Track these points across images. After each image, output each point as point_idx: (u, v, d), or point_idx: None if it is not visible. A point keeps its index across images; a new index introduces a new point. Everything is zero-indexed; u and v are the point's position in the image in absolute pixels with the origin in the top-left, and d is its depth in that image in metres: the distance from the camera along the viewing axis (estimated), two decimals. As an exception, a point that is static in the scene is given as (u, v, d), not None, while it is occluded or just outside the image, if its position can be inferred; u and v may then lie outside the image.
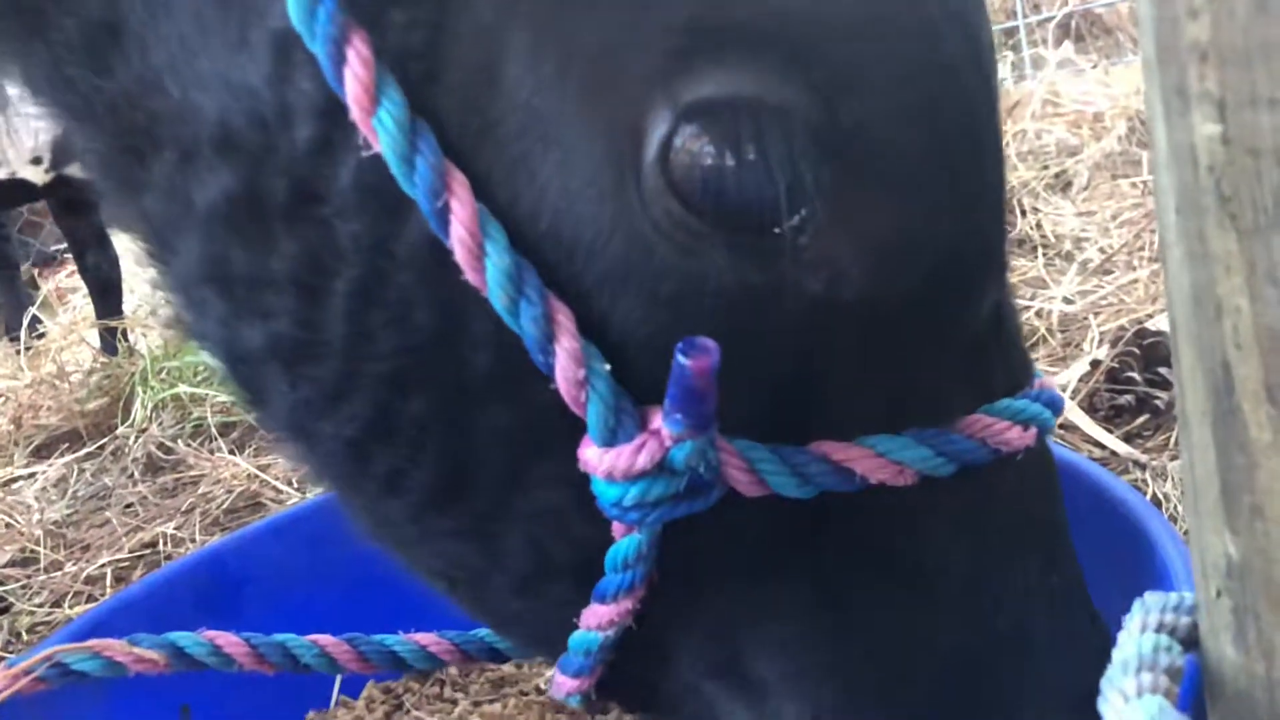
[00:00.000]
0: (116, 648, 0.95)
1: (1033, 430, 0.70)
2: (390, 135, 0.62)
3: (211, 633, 0.96)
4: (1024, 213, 2.83)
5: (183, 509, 2.13)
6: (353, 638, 0.99)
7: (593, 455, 0.66)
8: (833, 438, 0.67)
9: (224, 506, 2.09)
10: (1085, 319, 2.05)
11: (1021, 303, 2.24)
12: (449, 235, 0.63)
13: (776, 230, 0.61)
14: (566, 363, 0.63)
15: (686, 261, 0.62)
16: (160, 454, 2.44)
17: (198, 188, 0.70)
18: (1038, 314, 2.13)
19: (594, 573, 0.70)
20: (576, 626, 0.74)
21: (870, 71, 0.60)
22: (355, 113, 0.62)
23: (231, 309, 0.73)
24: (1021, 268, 2.48)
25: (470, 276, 0.63)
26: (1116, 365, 1.70)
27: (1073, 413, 1.65)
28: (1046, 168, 3.27)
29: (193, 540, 1.99)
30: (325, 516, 1.36)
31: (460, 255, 0.63)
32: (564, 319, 0.64)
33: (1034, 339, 2.06)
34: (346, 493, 0.80)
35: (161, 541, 2.00)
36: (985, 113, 0.66)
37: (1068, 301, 2.16)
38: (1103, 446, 1.58)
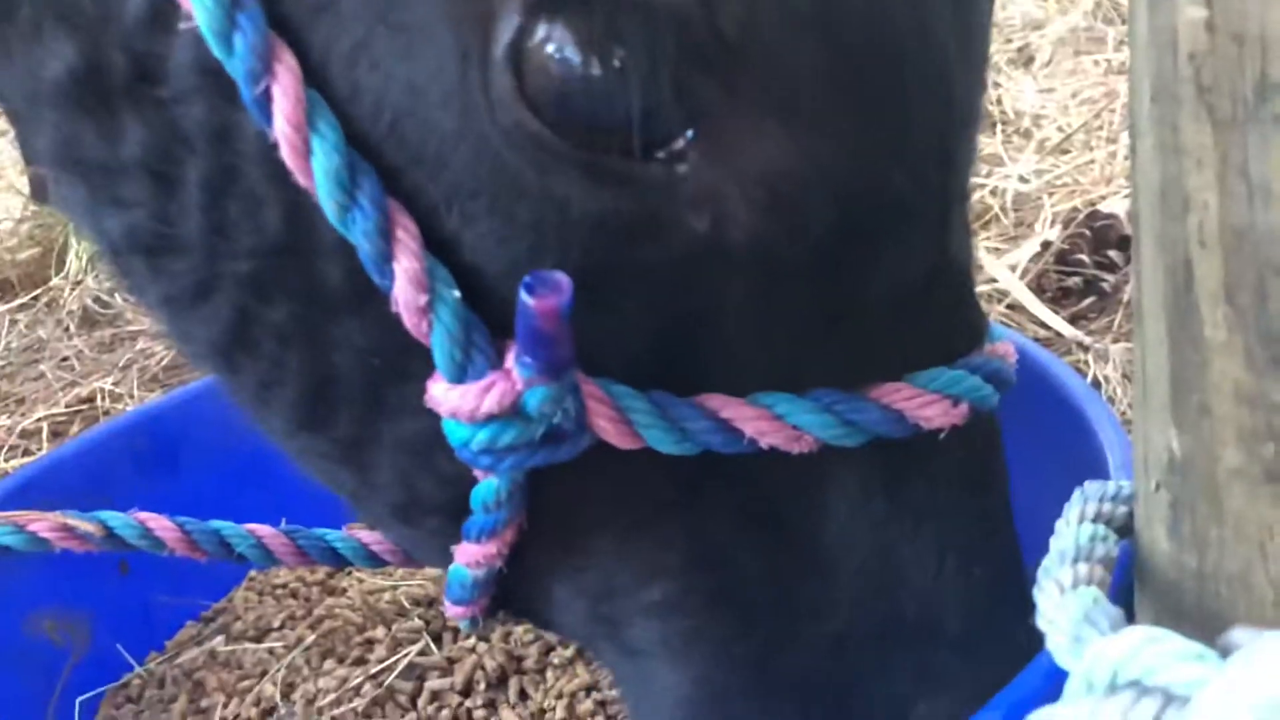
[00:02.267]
0: (44, 522, 0.91)
1: (963, 406, 0.63)
2: (205, 6, 0.55)
3: (143, 515, 0.93)
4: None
5: (120, 365, 2.07)
6: (292, 530, 0.95)
7: (439, 392, 0.60)
8: (726, 392, 0.61)
9: (164, 363, 2.05)
10: (1039, 199, 2.04)
11: (977, 180, 2.22)
12: (271, 126, 0.56)
13: (648, 156, 0.54)
14: (405, 285, 0.57)
15: (544, 181, 0.55)
16: (97, 308, 2.36)
17: (45, 60, 0.64)
18: (992, 192, 2.11)
19: (464, 509, 0.66)
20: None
21: None
22: None
23: (90, 195, 0.68)
24: (979, 144, 2.45)
25: (298, 176, 0.57)
26: (1066, 246, 1.71)
27: (1020, 293, 1.65)
28: (1010, 41, 3.21)
29: (131, 397, 1.94)
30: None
31: (284, 151, 0.56)
32: (405, 235, 0.57)
33: (987, 217, 2.04)
34: (231, 394, 0.76)
35: (99, 397, 1.96)
36: (931, 32, 0.57)
37: (1023, 180, 2.13)
38: (1048, 327, 1.59)
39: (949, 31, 0.58)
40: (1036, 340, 1.53)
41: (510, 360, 0.58)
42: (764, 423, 0.61)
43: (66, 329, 2.32)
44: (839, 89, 0.55)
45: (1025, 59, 3.14)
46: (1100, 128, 2.43)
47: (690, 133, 0.54)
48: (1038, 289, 1.68)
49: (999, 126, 2.56)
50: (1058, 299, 1.67)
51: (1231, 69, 0.44)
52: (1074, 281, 1.68)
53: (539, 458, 0.61)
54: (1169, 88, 0.47)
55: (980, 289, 1.72)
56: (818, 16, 0.53)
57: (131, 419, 1.29)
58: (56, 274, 2.57)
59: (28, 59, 0.66)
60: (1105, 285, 1.65)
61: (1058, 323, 1.59)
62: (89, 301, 2.37)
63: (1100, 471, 0.86)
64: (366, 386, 0.66)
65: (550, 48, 0.52)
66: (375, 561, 0.95)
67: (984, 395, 0.64)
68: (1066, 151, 2.34)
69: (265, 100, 0.56)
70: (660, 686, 0.70)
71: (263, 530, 0.94)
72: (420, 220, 0.58)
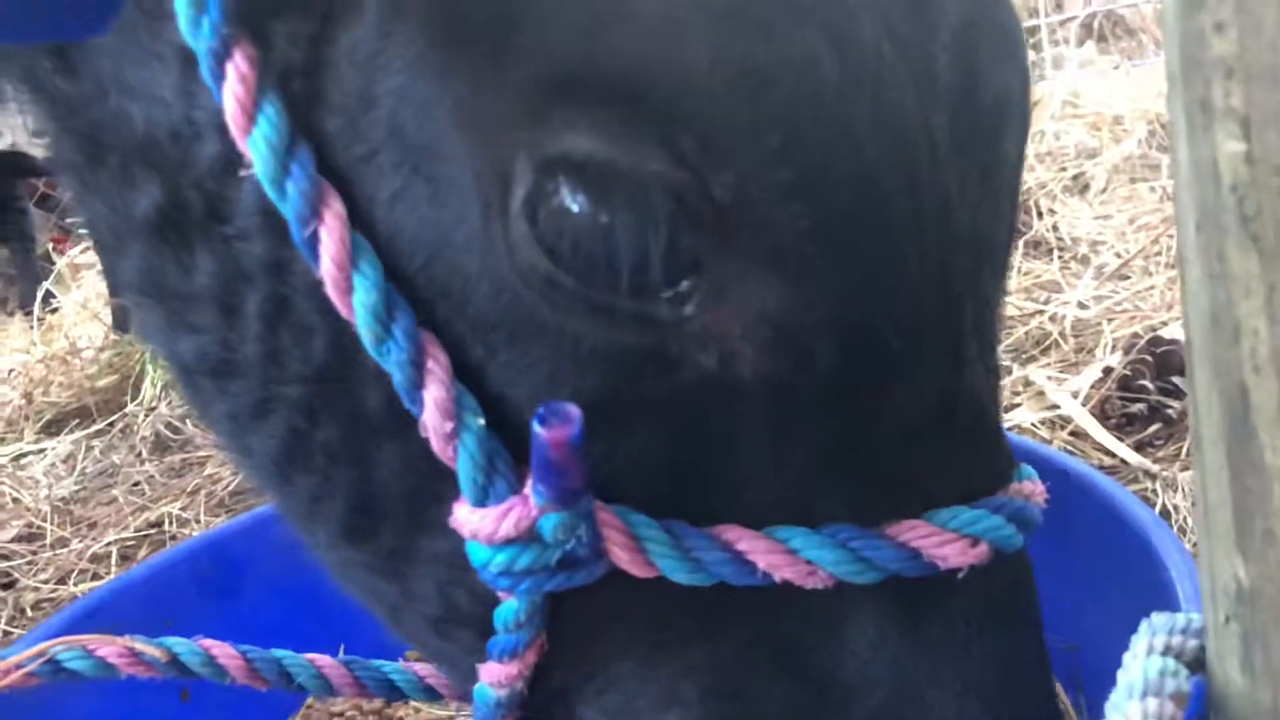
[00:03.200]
0: (111, 647, 0.92)
1: (982, 546, 0.62)
2: (262, 156, 0.60)
3: (207, 641, 0.94)
4: (1040, 214, 2.80)
5: (189, 489, 2.12)
6: (350, 661, 0.96)
7: (462, 514, 0.62)
8: (742, 523, 0.62)
9: (230, 488, 2.09)
10: (1099, 325, 2.04)
11: (1034, 306, 2.22)
12: (319, 265, 0.60)
13: (655, 297, 0.57)
14: (434, 412, 0.60)
15: (557, 318, 0.59)
16: (168, 433, 2.44)
17: (133, 197, 0.70)
18: (1051, 318, 2.11)
19: (493, 627, 0.68)
20: None
21: (747, 141, 0.54)
22: (234, 131, 0.60)
23: (166, 321, 0.73)
24: (1036, 270, 2.45)
25: (341, 310, 0.61)
26: (1129, 373, 1.68)
27: (1083, 419, 1.62)
28: (1064, 169, 3.24)
29: (198, 521, 1.99)
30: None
31: (329, 287, 0.61)
32: (435, 365, 0.61)
33: (1046, 344, 2.03)
34: (281, 509, 0.79)
35: (167, 521, 2.00)
36: (920, 185, 0.58)
37: (1082, 306, 2.13)
38: (1113, 455, 1.56)
39: (947, 177, 0.59)
40: (1101, 468, 1.50)
41: (528, 487, 0.60)
42: (778, 556, 0.61)
43: (139, 454, 2.39)
44: (828, 242, 0.57)
45: (1081, 186, 3.17)
46: (1159, 253, 2.43)
47: (691, 279, 0.57)
48: (1101, 416, 1.65)
49: (1056, 253, 2.56)
50: (1121, 426, 1.64)
51: (1274, 199, 0.45)
52: (1138, 408, 1.64)
53: (555, 582, 0.63)
54: (1213, 217, 0.48)
55: (1042, 415, 1.70)
56: (804, 182, 0.55)
57: (197, 544, 1.31)
58: (132, 400, 2.66)
59: (118, 198, 0.71)
60: (1170, 412, 1.62)
61: (1123, 450, 1.55)
62: (161, 427, 2.44)
63: (1169, 603, 0.84)
64: (405, 504, 0.68)
65: (559, 202, 0.56)
66: (430, 695, 0.95)
67: (1005, 536, 0.63)
68: (1125, 277, 2.33)
69: (313, 241, 0.61)
70: None
71: (322, 660, 0.95)
72: (450, 350, 0.61)
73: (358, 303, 0.60)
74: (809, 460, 0.62)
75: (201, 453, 2.31)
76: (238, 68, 0.59)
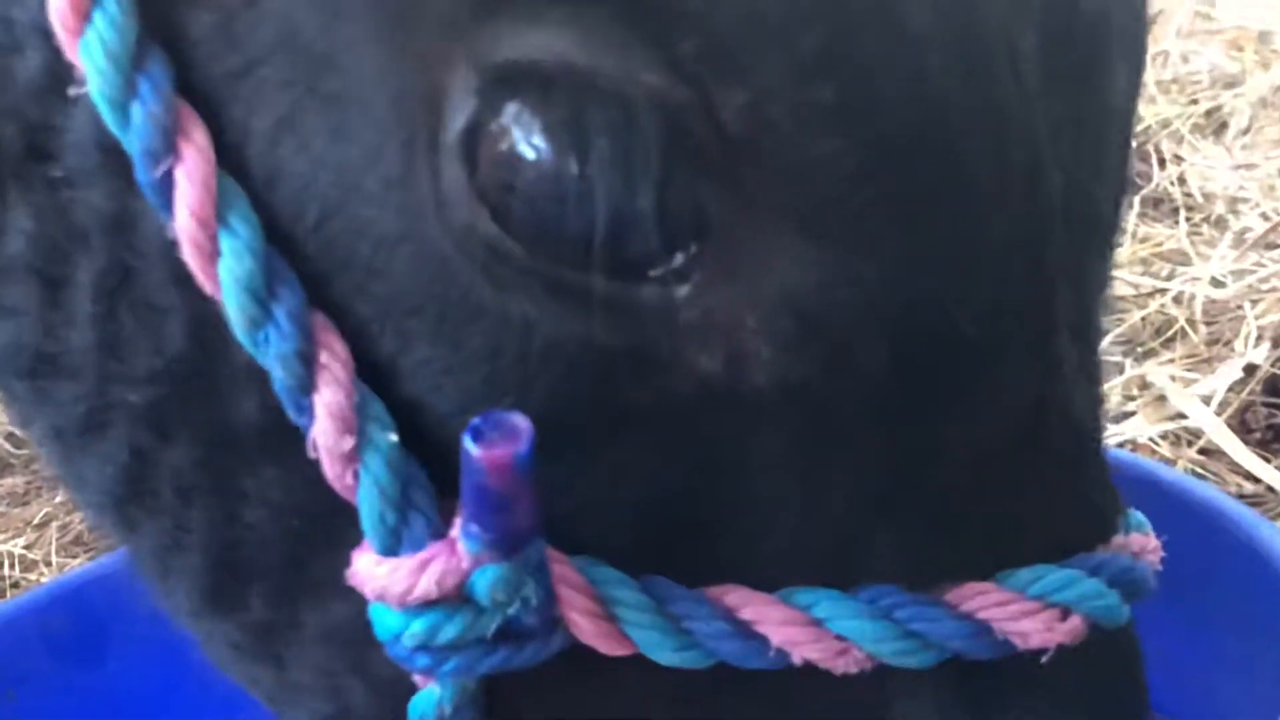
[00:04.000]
0: None
1: (1075, 620, 0.59)
2: (98, 67, 0.55)
3: None
4: (1162, 163, 2.74)
5: (34, 522, 2.06)
6: None
7: (364, 565, 0.58)
8: (751, 583, 0.59)
9: (89, 522, 2.05)
10: (1239, 308, 1.99)
11: (1154, 283, 2.14)
12: (173, 219, 0.57)
13: (638, 275, 0.53)
14: (327, 424, 0.56)
15: (502, 300, 0.55)
16: (9, 448, 2.36)
17: None
18: (1175, 299, 2.09)
19: None
20: None
21: (771, 46, 0.50)
22: (59, 34, 0.57)
23: None
24: (1156, 236, 2.41)
25: (203, 282, 0.57)
26: (1278, 372, 1.62)
27: (1217, 433, 1.59)
28: (1195, 102, 3.15)
29: (48, 564, 1.95)
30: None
31: (186, 250, 0.57)
32: (331, 360, 0.57)
33: (1170, 333, 1.98)
34: (132, 560, 0.75)
35: (7, 564, 1.95)
36: (1005, 118, 0.55)
37: (1217, 284, 2.10)
38: (1255, 480, 1.53)
39: (1036, 116, 0.56)
40: (1240, 496, 1.47)
41: (457, 528, 0.56)
42: (798, 629, 0.58)
43: (-32, 475, 2.34)
44: (879, 192, 0.53)
45: (1216, 125, 3.08)
46: (1320, 214, 2.36)
47: (690, 248, 0.53)
48: (1240, 428, 1.62)
49: (1183, 214, 2.48)
50: (1267, 442, 1.59)
51: None
52: (1288, 418, 1.60)
53: (492, 661, 0.58)
54: None
55: (1163, 428, 1.66)
56: (847, 106, 0.51)
57: (47, 593, 1.30)
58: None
59: None
60: (1332, 424, 1.57)
61: (1269, 473, 1.50)
62: (1, 440, 2.36)
63: None
64: (284, 555, 0.65)
65: (511, 136, 0.52)
66: None
67: (1106, 606, 0.60)
68: (1275, 246, 2.23)
69: (166, 186, 0.57)
70: None
71: None
72: (351, 341, 0.58)
73: (225, 272, 0.56)
74: (841, 499, 0.59)
75: (52, 472, 2.25)
76: None
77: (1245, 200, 2.54)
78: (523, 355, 0.56)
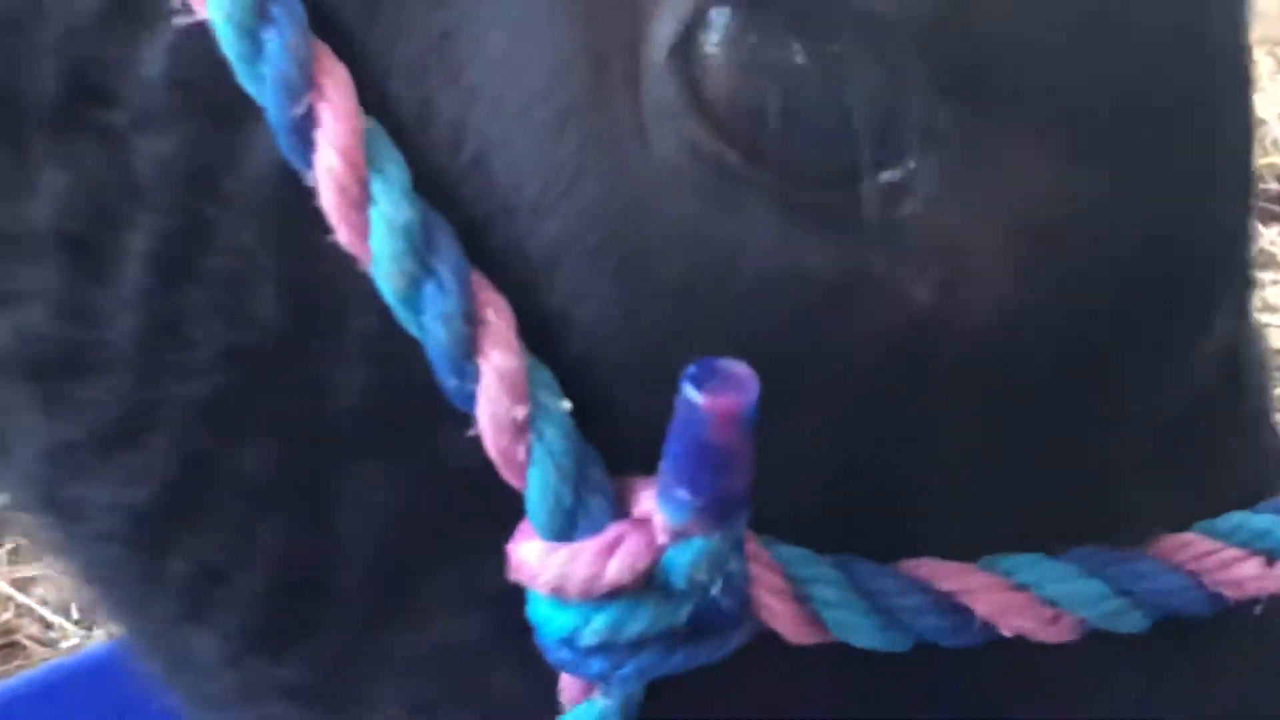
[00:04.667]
0: None
1: None
2: None
3: None
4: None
5: None
6: None
7: (532, 555, 0.52)
8: (935, 554, 0.54)
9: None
10: None
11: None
12: (312, 164, 0.51)
13: (863, 188, 0.49)
14: (498, 393, 0.50)
15: (710, 227, 0.50)
16: None
17: None
18: None
19: None
20: None
21: None
22: None
23: None
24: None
25: (343, 236, 0.51)
26: None
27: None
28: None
29: None
30: (125, 668, 1.19)
31: (328, 200, 0.51)
32: (497, 318, 0.51)
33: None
34: (125, 611, 0.68)
35: None
36: (1239, 40, 0.54)
37: None
38: None
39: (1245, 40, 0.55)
40: None
41: (643, 502, 0.50)
42: (1004, 596, 0.53)
43: None
44: (1122, 102, 0.50)
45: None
46: None
47: (921, 159, 0.49)
48: None
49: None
50: None
51: None
52: None
53: (677, 659, 0.52)
54: None
55: None
56: (1108, 11, 0.49)
57: None
58: None
59: None
60: None
61: None
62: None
63: None
64: (379, 570, 0.57)
65: (745, 38, 0.47)
66: None
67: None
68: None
69: (306, 125, 0.50)
70: None
71: None
72: (511, 296, 0.52)
73: (379, 220, 0.49)
74: (1040, 453, 0.55)
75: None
76: None
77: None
78: (721, 289, 0.50)
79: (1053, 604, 0.53)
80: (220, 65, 0.51)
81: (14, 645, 1.85)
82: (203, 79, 0.53)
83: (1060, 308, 0.52)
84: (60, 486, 0.63)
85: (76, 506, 0.63)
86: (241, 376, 0.56)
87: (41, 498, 0.65)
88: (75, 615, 1.85)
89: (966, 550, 0.54)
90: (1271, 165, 2.83)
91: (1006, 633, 0.53)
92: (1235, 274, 0.58)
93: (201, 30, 0.51)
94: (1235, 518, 0.56)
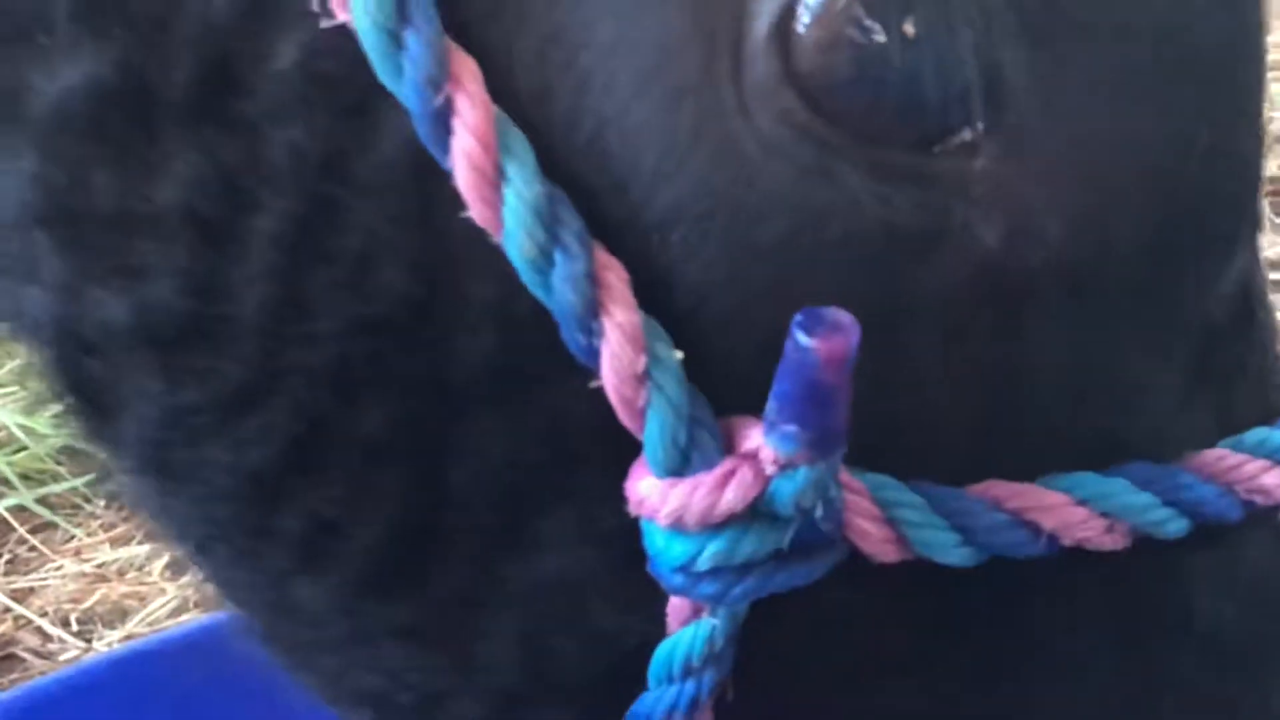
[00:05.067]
0: None
1: None
2: None
3: None
4: None
5: None
6: None
7: (652, 491, 0.56)
8: (997, 475, 0.59)
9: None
10: None
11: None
12: (449, 149, 0.54)
13: (940, 147, 0.54)
14: (621, 346, 0.54)
15: (806, 191, 0.54)
16: None
17: (40, 78, 0.61)
18: None
19: (620, 688, 0.62)
20: None
21: None
22: None
23: (78, 263, 0.63)
24: None
25: (477, 212, 0.55)
26: None
27: None
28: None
29: None
30: (129, 685, 1.18)
31: (465, 179, 0.54)
32: (616, 280, 0.55)
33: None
34: (227, 567, 0.70)
35: None
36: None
37: None
38: None
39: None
40: None
41: (750, 439, 0.55)
42: (1067, 510, 0.58)
43: None
44: (1188, 62, 0.56)
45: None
46: None
47: (991, 119, 0.53)
48: None
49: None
50: None
51: None
52: None
53: (781, 578, 0.56)
54: None
55: None
56: None
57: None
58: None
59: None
60: None
61: None
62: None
63: None
64: (498, 511, 0.61)
65: (831, 20, 0.51)
66: None
67: None
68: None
69: (445, 113, 0.54)
70: None
71: None
72: (625, 260, 0.56)
73: (513, 197, 0.53)
74: (1090, 378, 0.60)
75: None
76: None
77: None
78: (817, 245, 0.54)
79: (1108, 515, 0.58)
80: (353, 60, 0.54)
81: (12, 657, 1.82)
82: (335, 73, 0.56)
83: (1109, 252, 0.57)
84: (175, 450, 0.65)
85: (191, 469, 0.65)
86: (366, 344, 0.59)
87: (152, 461, 0.67)
88: (74, 627, 1.83)
89: (1029, 471, 0.58)
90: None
91: (1068, 543, 0.58)
92: (1252, 211, 0.63)
93: (338, 32, 0.54)
94: (1259, 433, 0.61)
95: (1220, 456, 0.60)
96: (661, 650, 0.59)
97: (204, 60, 0.58)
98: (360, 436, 0.61)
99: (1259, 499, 0.60)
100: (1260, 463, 0.60)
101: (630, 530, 0.57)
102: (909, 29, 0.51)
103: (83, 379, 0.66)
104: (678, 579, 0.56)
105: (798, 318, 0.50)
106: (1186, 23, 0.57)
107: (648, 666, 0.60)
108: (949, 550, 0.57)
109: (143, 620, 1.81)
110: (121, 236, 0.61)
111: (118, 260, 0.62)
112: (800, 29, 0.52)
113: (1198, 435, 0.61)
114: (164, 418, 0.64)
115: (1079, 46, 0.55)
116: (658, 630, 0.60)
